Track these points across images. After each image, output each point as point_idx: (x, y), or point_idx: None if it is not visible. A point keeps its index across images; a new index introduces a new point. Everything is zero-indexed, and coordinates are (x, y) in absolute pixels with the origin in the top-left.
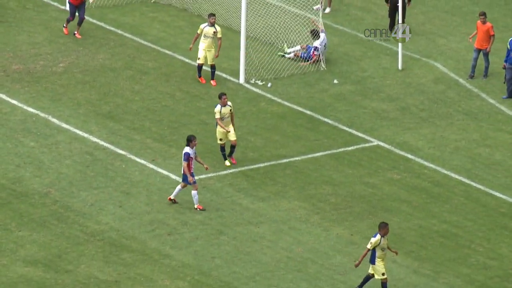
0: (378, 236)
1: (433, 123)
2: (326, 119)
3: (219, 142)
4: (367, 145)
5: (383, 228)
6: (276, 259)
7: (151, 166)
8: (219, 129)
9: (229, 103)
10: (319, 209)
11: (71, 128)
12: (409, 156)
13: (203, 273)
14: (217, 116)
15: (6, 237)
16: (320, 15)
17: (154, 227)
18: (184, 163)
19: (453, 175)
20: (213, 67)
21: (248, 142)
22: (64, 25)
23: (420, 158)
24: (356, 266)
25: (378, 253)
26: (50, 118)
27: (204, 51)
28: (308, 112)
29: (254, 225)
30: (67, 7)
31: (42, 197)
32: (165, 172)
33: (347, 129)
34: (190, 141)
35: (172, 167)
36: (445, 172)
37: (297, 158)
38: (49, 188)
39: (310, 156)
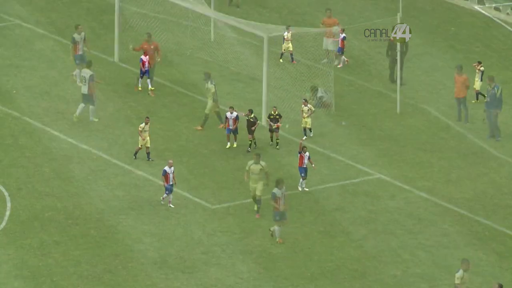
0: (461, 271)
1: (427, 159)
2: (336, 155)
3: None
4: (370, 177)
5: (464, 263)
6: (294, 274)
7: (187, 195)
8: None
9: (262, 163)
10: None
11: (121, 164)
12: (406, 187)
13: (230, 286)
14: (246, 168)
15: (64, 255)
16: (332, 66)
17: (189, 246)
18: (271, 201)
19: (443, 203)
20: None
21: (270, 175)
22: (137, 84)
23: (415, 188)
24: None
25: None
26: (102, 154)
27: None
28: (320, 149)
29: (275, 245)
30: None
31: (95, 221)
32: (198, 200)
33: (353, 164)
34: (278, 183)
35: (204, 197)
36: (437, 200)
37: (312, 188)
38: (101, 214)
39: (323, 186)
